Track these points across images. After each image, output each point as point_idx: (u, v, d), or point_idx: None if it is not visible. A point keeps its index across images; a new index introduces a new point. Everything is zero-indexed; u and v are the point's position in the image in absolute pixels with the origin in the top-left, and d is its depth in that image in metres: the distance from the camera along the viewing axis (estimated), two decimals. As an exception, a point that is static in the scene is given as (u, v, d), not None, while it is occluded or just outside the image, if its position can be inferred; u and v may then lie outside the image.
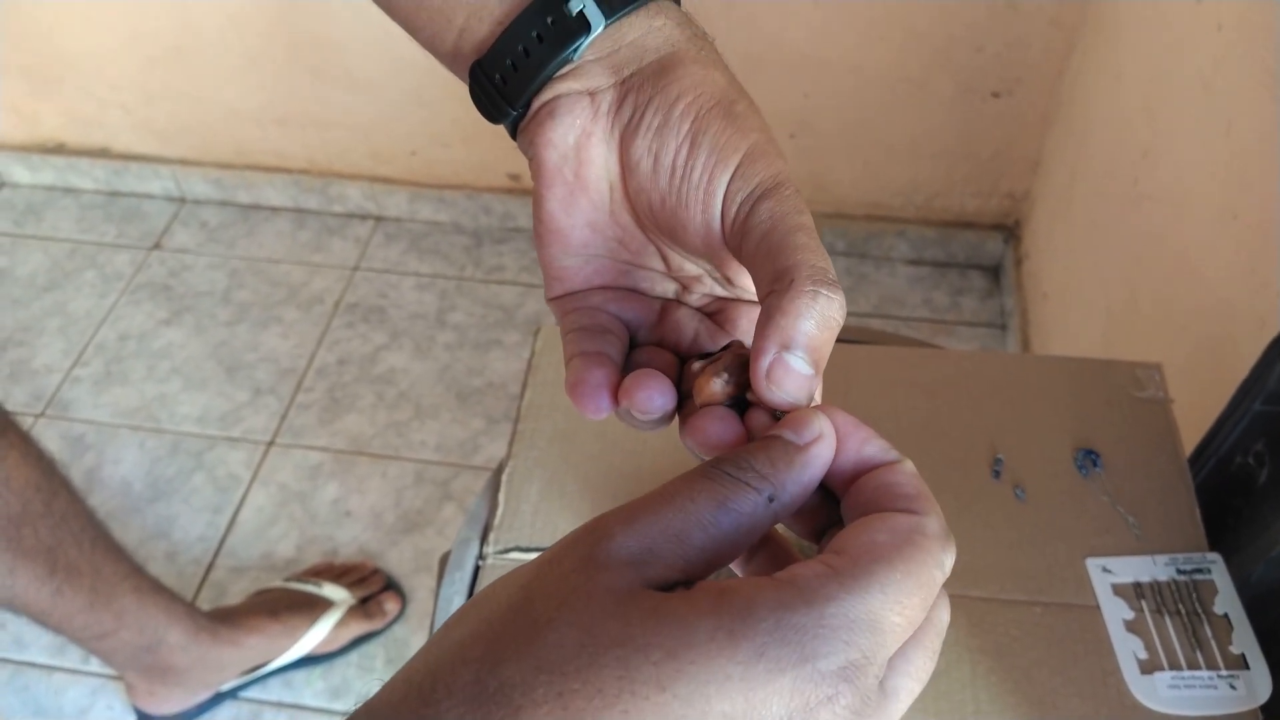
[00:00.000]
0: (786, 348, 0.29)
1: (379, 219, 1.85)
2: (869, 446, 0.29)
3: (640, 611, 0.24)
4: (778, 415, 0.30)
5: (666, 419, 0.33)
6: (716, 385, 0.32)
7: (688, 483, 0.27)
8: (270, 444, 1.52)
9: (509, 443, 0.73)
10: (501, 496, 0.70)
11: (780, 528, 0.31)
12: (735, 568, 0.32)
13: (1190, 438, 0.73)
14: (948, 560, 0.27)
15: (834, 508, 0.30)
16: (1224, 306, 0.83)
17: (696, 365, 0.33)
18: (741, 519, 0.27)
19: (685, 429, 0.32)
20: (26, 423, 1.56)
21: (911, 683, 0.26)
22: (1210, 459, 0.70)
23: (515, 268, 1.75)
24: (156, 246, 1.83)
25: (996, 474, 0.69)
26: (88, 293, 1.76)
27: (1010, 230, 1.64)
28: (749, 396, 0.31)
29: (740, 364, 0.32)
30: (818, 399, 0.31)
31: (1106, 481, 0.68)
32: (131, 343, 1.67)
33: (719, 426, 0.31)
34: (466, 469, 1.48)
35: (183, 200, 1.90)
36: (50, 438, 1.54)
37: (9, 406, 1.37)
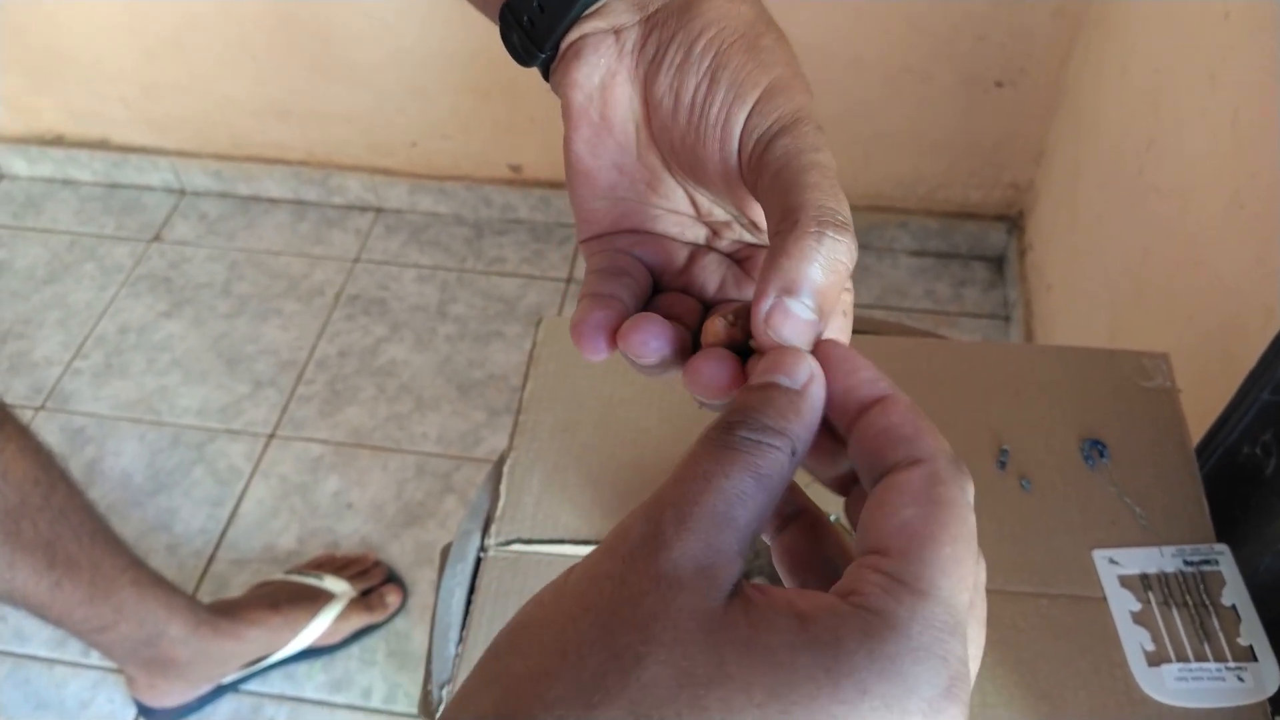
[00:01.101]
0: (789, 292, 0.28)
1: (379, 211, 1.84)
2: (857, 375, 0.28)
3: (733, 645, 0.23)
4: None
5: (667, 364, 0.32)
6: (719, 325, 0.31)
7: (716, 459, 0.26)
8: (271, 436, 1.52)
9: (510, 434, 0.73)
10: (503, 488, 0.70)
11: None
12: (765, 538, 0.31)
13: (1197, 428, 0.72)
14: (969, 491, 0.26)
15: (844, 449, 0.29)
16: (1231, 296, 0.83)
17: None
18: (773, 481, 0.26)
19: (684, 371, 0.31)
20: (26, 415, 1.55)
21: (974, 663, 0.26)
22: (1217, 449, 0.70)
23: (516, 259, 1.74)
24: (156, 239, 1.82)
25: (1002, 465, 0.69)
26: (87, 285, 1.75)
27: (1013, 221, 1.63)
28: (750, 344, 0.30)
29: (747, 309, 0.31)
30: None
31: (1113, 472, 0.68)
32: (131, 335, 1.67)
33: (713, 368, 0.30)
34: (468, 461, 1.47)
35: (182, 192, 1.90)
36: (50, 430, 1.54)
37: (8, 399, 1.36)
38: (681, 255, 0.37)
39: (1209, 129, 0.89)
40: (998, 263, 1.68)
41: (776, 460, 0.26)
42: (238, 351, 1.63)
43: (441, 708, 0.26)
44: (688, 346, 0.33)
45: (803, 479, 0.30)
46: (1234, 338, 0.81)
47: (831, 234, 0.28)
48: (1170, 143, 0.99)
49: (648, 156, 0.36)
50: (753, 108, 0.31)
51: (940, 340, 0.79)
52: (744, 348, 0.31)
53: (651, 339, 0.31)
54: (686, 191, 0.36)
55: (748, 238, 0.37)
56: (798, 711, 0.22)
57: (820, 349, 0.29)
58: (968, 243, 1.67)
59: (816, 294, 0.28)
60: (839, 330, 0.32)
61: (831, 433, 0.29)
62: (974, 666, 0.26)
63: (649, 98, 0.34)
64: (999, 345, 0.76)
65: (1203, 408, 0.74)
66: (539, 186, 1.74)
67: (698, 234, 0.37)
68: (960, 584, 0.24)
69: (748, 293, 0.36)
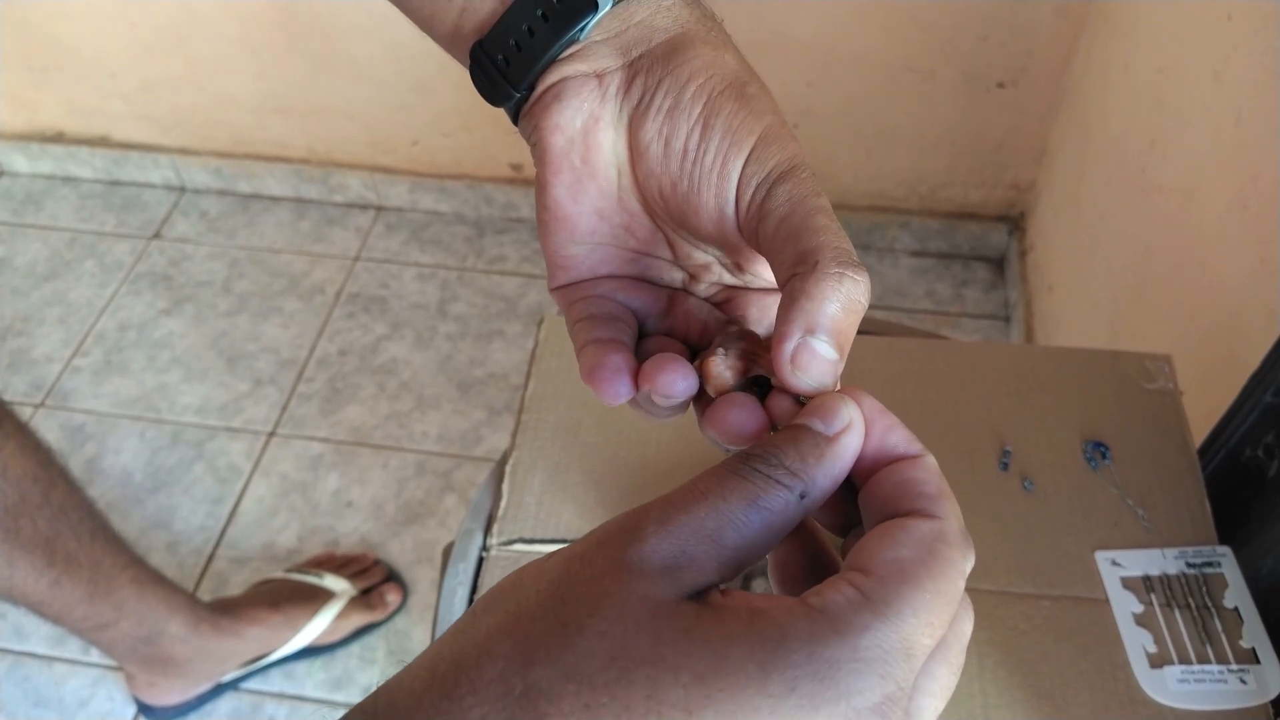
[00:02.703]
0: (811, 332, 0.28)
1: (380, 209, 1.84)
2: (893, 435, 0.29)
3: (673, 630, 0.24)
4: (802, 401, 0.29)
5: (684, 406, 0.33)
6: (720, 368, 0.31)
7: (719, 480, 0.26)
8: (271, 434, 1.52)
9: (513, 433, 0.73)
10: (505, 487, 0.70)
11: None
12: None
13: (1198, 429, 0.72)
14: (968, 565, 0.26)
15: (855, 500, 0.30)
16: (1234, 298, 0.83)
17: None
18: (774, 517, 0.26)
19: (705, 419, 0.31)
20: (26, 413, 1.55)
21: (936, 701, 0.26)
22: (1220, 451, 0.70)
23: (517, 258, 1.74)
24: (156, 236, 1.82)
25: (1004, 466, 0.69)
26: (87, 282, 1.75)
27: (1015, 222, 1.63)
28: (774, 382, 0.30)
29: (744, 348, 0.31)
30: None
31: (1116, 473, 0.68)
32: (131, 333, 1.67)
33: (740, 415, 0.30)
34: (468, 460, 1.47)
35: (182, 189, 1.89)
36: (50, 428, 1.53)
37: (8, 396, 1.36)
38: (663, 299, 0.37)
39: (1212, 128, 0.89)
40: (999, 263, 1.67)
41: (781, 498, 0.27)
42: (238, 349, 1.63)
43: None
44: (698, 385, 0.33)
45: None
46: (1236, 339, 0.81)
47: (851, 274, 0.29)
48: (1173, 142, 0.99)
49: (628, 201, 0.35)
50: (749, 155, 0.32)
51: (942, 340, 0.79)
52: (759, 385, 0.31)
53: (680, 379, 0.31)
54: (665, 235, 0.36)
55: (728, 279, 0.37)
56: (722, 699, 0.23)
57: (858, 403, 0.29)
58: (969, 243, 1.67)
59: (838, 333, 0.28)
60: None
61: (846, 483, 0.29)
62: (938, 705, 0.26)
63: (635, 143, 0.34)
64: (1001, 346, 0.76)
65: (1204, 409, 0.74)
66: (540, 185, 1.73)
67: (674, 278, 0.37)
68: (926, 627, 0.24)
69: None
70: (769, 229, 0.31)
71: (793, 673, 0.23)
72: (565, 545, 0.27)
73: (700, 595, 0.25)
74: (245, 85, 1.70)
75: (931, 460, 0.28)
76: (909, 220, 1.66)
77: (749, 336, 0.32)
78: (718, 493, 0.26)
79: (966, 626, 0.27)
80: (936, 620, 0.25)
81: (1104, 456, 0.69)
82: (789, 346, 0.28)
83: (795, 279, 0.29)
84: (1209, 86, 0.91)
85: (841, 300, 0.28)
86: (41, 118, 1.86)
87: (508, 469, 0.71)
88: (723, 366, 0.31)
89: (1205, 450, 0.70)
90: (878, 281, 1.66)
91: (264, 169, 1.82)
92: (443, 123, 1.69)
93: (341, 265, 1.75)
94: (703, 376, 0.32)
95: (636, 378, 0.32)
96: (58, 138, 1.88)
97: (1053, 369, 0.74)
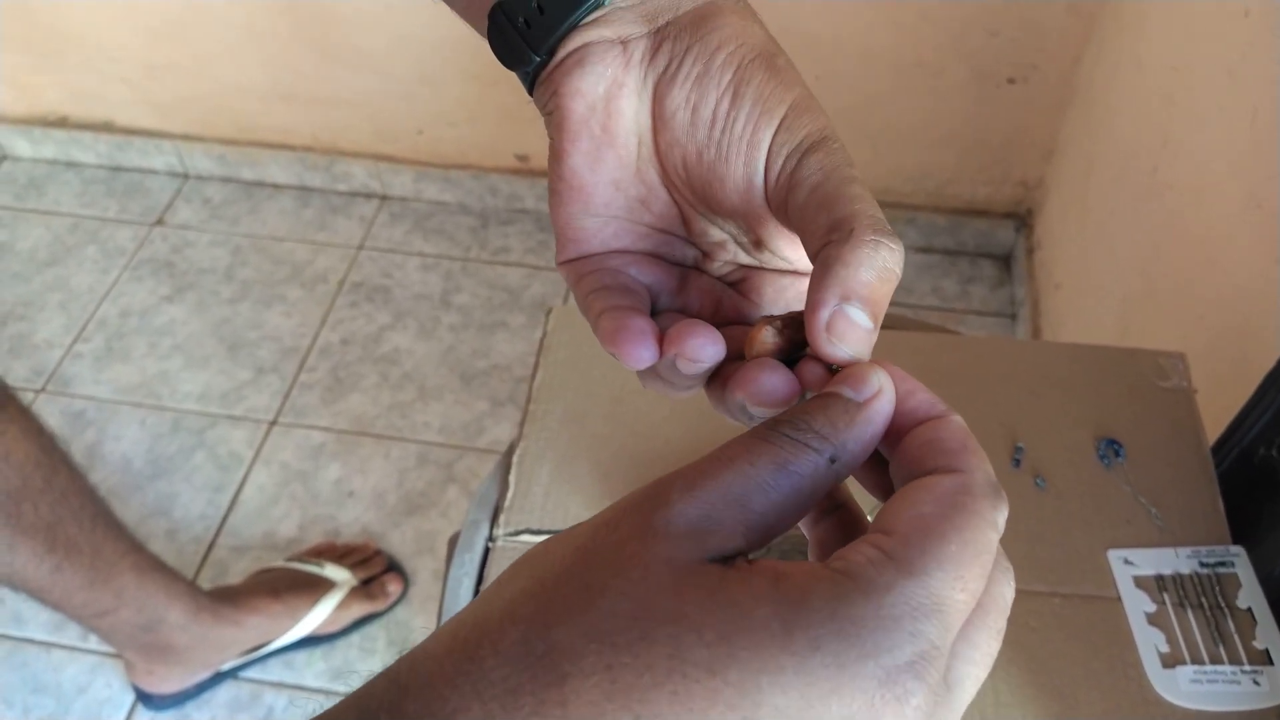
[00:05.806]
0: (846, 299, 0.28)
1: (384, 198, 1.83)
2: (914, 399, 0.28)
3: (696, 590, 0.23)
4: (834, 370, 0.29)
5: (705, 376, 0.32)
6: (767, 335, 0.30)
7: (746, 445, 0.26)
8: (272, 423, 1.51)
9: (520, 424, 0.72)
10: (512, 478, 0.69)
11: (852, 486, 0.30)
12: (804, 528, 0.31)
13: (1212, 429, 0.71)
14: (1000, 516, 0.26)
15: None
16: (1246, 296, 0.82)
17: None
18: (802, 481, 0.26)
19: (735, 381, 0.30)
20: (27, 398, 1.54)
21: (978, 669, 0.25)
22: (1233, 450, 0.69)
23: (521, 249, 1.73)
24: (159, 222, 1.81)
25: (1017, 463, 0.68)
26: (89, 268, 1.74)
27: (1022, 219, 1.63)
28: (808, 353, 0.30)
29: (795, 319, 0.31)
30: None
31: (1129, 472, 0.67)
32: (133, 319, 1.66)
33: (773, 379, 0.29)
34: (470, 451, 1.47)
35: (185, 176, 1.89)
36: (51, 413, 1.53)
37: (9, 381, 1.35)
38: (676, 276, 0.36)
39: (1226, 127, 0.89)
40: (1005, 260, 1.67)
41: (810, 461, 0.26)
42: (240, 337, 1.62)
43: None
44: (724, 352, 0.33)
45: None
46: (1248, 339, 0.80)
47: (886, 242, 0.28)
48: (1186, 141, 0.98)
49: (647, 173, 0.35)
50: (780, 124, 0.31)
51: (955, 336, 0.78)
52: (789, 358, 0.31)
53: (709, 343, 0.31)
54: (681, 210, 0.36)
55: (742, 258, 0.36)
56: (745, 656, 0.22)
57: (886, 371, 0.29)
58: (975, 240, 1.66)
59: (873, 301, 0.28)
60: None
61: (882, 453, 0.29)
62: (980, 673, 0.25)
63: (660, 111, 0.33)
64: (1014, 342, 0.76)
65: (1214, 409, 0.73)
66: (545, 176, 1.73)
67: (687, 255, 0.37)
68: (956, 581, 0.24)
69: (748, 314, 0.36)
70: (800, 198, 0.30)
71: (816, 631, 0.22)
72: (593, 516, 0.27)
73: (726, 560, 0.25)
74: (250, 72, 1.70)
75: (957, 419, 0.28)
76: (915, 216, 1.65)
77: (797, 319, 0.32)
78: (744, 458, 0.26)
79: (1007, 591, 0.26)
80: (968, 574, 0.24)
81: (1117, 454, 0.68)
82: (824, 314, 0.28)
83: (830, 246, 0.28)
84: (1223, 84, 0.90)
85: (877, 268, 0.28)
86: (44, 102, 1.85)
87: (515, 459, 0.70)
88: (771, 334, 0.31)
89: (1219, 449, 0.70)
90: (883, 277, 1.66)
91: (268, 156, 1.82)
92: (448, 112, 1.68)
93: (345, 254, 1.74)
94: (747, 345, 0.31)
95: (660, 343, 0.32)
96: (61, 122, 1.87)
97: (1066, 365, 0.73)
